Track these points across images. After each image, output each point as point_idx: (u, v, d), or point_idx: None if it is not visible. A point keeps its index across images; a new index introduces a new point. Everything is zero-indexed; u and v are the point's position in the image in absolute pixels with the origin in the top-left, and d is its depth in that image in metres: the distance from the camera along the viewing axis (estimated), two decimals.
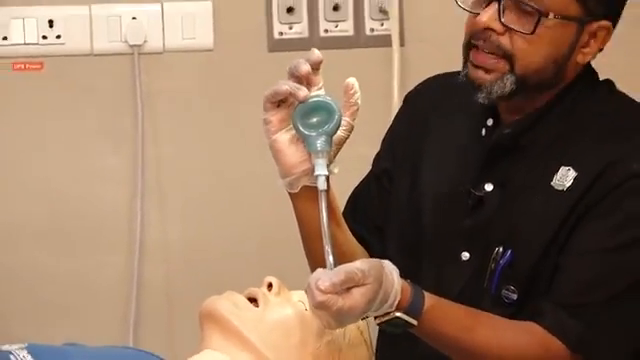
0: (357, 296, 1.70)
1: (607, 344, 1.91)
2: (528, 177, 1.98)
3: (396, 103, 2.41)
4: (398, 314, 1.78)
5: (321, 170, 1.79)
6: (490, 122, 2.04)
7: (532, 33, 1.91)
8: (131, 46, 2.73)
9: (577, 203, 1.93)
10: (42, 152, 2.77)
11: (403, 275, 1.79)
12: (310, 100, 1.80)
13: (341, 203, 2.07)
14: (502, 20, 1.92)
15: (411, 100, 2.21)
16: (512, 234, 1.96)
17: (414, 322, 1.80)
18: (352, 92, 1.84)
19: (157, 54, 2.75)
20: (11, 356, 1.62)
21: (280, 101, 1.83)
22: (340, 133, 1.83)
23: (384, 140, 2.20)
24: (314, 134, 1.80)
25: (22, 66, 2.73)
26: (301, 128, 1.80)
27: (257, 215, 2.78)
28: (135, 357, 1.68)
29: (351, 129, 1.85)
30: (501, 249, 1.97)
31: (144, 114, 2.74)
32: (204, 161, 2.80)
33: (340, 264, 1.71)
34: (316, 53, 1.82)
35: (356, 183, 2.20)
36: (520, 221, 1.97)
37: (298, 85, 1.80)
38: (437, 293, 1.85)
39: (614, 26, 1.97)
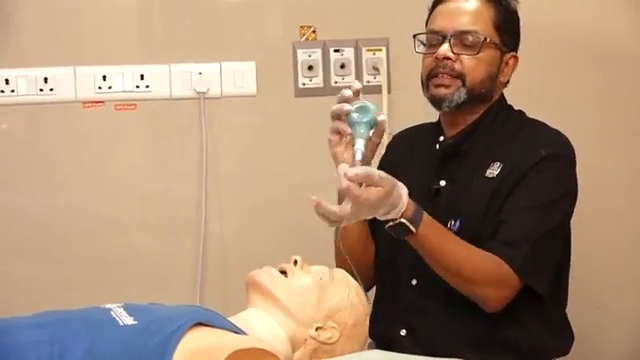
0: (373, 192, 1.70)
1: (538, 269, 1.96)
2: (469, 173, 2.04)
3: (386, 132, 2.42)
4: (403, 220, 1.80)
5: (359, 146, 1.75)
6: (441, 138, 2.11)
7: (477, 53, 2.01)
8: (198, 93, 2.73)
9: (501, 183, 1.99)
10: (135, 165, 2.76)
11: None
12: (355, 103, 1.80)
13: None
14: (453, 50, 2.01)
15: (389, 145, 2.29)
16: (460, 210, 2.01)
17: (413, 229, 1.82)
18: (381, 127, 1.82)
19: (216, 99, 2.75)
20: (111, 312, 1.63)
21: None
22: (374, 139, 1.81)
23: (378, 166, 2.22)
24: (358, 121, 1.77)
25: (122, 107, 2.73)
26: (353, 117, 1.78)
27: (287, 213, 2.75)
28: (201, 312, 1.67)
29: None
30: (453, 220, 2.00)
31: (207, 140, 2.73)
32: (249, 172, 2.77)
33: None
34: (357, 84, 1.83)
35: None
36: (464, 200, 2.02)
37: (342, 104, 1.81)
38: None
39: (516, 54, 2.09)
